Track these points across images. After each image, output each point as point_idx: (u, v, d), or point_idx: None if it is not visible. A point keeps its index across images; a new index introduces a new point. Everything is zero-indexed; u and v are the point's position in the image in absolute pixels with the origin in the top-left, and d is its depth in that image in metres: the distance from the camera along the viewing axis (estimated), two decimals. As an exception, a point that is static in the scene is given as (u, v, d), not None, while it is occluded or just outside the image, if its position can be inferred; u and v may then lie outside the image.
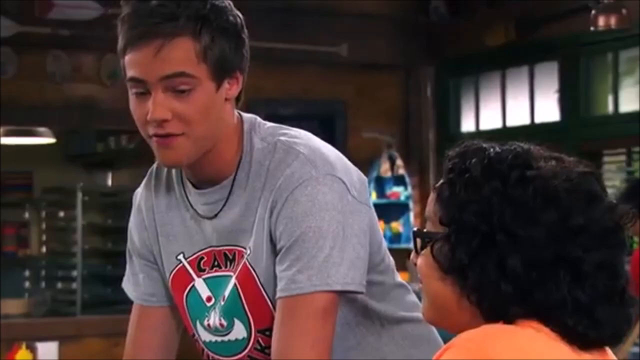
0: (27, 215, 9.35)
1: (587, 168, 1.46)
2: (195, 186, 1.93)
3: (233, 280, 1.90)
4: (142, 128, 1.83)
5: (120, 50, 1.81)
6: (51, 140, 7.80)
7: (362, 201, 1.86)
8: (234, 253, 1.91)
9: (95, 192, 9.21)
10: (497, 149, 1.46)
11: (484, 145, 1.47)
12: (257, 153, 1.88)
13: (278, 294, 1.82)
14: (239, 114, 1.92)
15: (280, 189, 1.83)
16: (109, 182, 9.82)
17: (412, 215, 7.33)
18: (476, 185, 1.42)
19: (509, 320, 1.39)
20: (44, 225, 9.34)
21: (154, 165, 2.04)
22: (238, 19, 1.84)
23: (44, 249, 9.36)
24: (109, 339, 6.43)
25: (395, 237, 7.17)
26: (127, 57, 1.79)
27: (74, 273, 8.80)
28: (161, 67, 1.76)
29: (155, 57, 1.75)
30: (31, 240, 9.32)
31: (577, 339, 1.39)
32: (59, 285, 9.05)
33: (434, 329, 2.03)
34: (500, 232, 1.39)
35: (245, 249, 1.89)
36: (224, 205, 1.89)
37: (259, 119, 1.94)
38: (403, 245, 6.85)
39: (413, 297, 2.05)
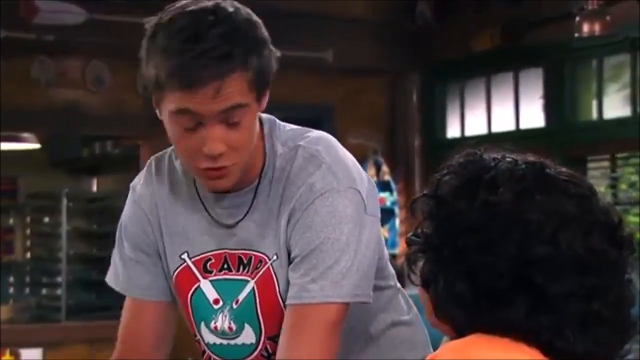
0: (11, 220, 9.31)
1: (578, 189, 1.37)
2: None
3: (252, 285, 1.88)
4: (190, 159, 1.79)
5: (157, 81, 1.74)
6: (36, 145, 7.77)
7: (373, 213, 1.87)
8: (250, 257, 1.89)
9: (80, 197, 9.17)
10: (475, 166, 1.40)
11: (471, 158, 1.43)
12: (279, 159, 1.87)
13: (289, 301, 1.82)
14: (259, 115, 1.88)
15: (301, 197, 1.82)
16: (94, 188, 9.80)
17: (397, 220, 7.34)
18: (445, 205, 1.39)
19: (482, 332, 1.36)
20: (28, 231, 9.31)
21: (152, 160, 2.01)
22: (265, 30, 1.80)
23: (28, 255, 9.33)
24: (93, 345, 6.41)
25: (380, 243, 7.17)
26: (174, 93, 1.73)
27: (59, 279, 8.77)
28: (219, 104, 1.73)
29: (213, 97, 1.72)
30: (16, 245, 9.29)
31: (557, 354, 1.34)
32: (44, 291, 9.01)
33: (426, 332, 2.05)
34: (459, 255, 1.35)
35: (267, 255, 1.87)
36: (247, 212, 1.87)
37: (277, 120, 1.93)
38: (388, 251, 6.83)
39: (408, 299, 2.07)
